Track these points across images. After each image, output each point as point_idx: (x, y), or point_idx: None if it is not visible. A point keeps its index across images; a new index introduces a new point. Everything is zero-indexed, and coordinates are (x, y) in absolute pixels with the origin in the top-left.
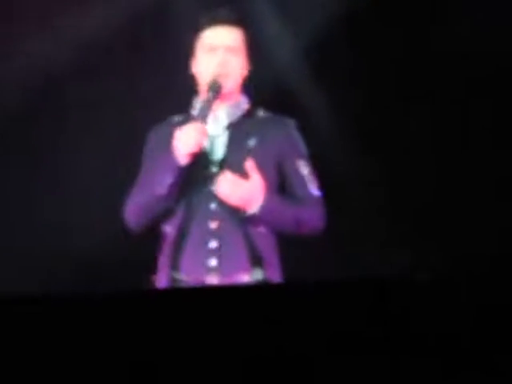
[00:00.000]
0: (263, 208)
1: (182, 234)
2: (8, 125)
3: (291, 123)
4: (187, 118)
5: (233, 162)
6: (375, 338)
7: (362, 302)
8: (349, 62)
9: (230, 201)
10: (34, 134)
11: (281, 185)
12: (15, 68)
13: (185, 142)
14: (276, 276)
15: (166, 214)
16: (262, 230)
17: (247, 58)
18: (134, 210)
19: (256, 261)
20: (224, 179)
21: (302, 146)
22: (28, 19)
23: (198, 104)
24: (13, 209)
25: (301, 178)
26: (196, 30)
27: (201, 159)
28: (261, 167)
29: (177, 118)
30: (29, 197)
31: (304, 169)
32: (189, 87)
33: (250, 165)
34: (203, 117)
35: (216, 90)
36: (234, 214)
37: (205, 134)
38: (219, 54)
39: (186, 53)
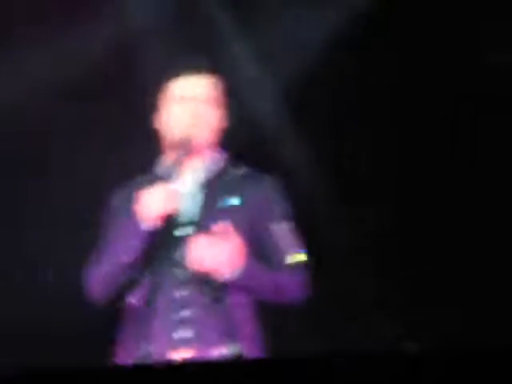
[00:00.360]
0: (239, 274)
1: (148, 304)
2: None
3: (272, 181)
4: (152, 179)
5: (207, 223)
6: None
7: (349, 377)
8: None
9: (204, 266)
10: None
11: (257, 248)
12: None
13: (152, 205)
14: (254, 350)
15: (132, 284)
16: (238, 298)
17: (222, 109)
18: (97, 280)
19: (231, 333)
20: (197, 242)
21: (283, 207)
22: None
23: (164, 164)
24: None
25: (280, 241)
26: (162, 80)
27: (170, 221)
28: (237, 228)
29: (140, 179)
30: None
31: (285, 231)
32: (150, 143)
33: (226, 225)
34: (172, 177)
35: (187, 148)
36: (207, 284)
37: (175, 196)
38: (191, 105)
39: (147, 106)
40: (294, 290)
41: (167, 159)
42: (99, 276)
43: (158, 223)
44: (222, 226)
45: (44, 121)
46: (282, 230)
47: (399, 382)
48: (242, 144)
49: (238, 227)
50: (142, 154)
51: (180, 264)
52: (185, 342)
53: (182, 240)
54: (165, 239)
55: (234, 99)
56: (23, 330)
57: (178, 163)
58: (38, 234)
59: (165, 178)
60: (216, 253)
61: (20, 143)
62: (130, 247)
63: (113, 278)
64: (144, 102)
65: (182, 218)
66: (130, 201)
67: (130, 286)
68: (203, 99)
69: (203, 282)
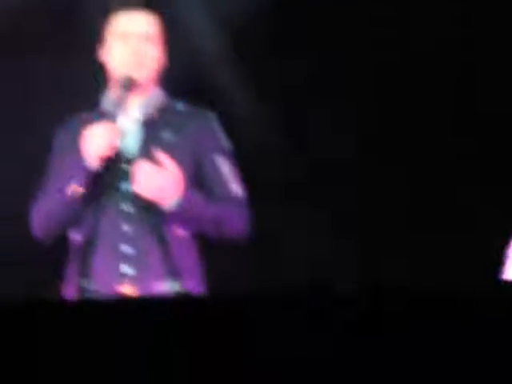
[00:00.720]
0: (181, 203)
1: (91, 239)
2: None
3: (211, 116)
4: (97, 115)
5: (147, 157)
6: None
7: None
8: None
9: (145, 194)
10: None
11: (199, 183)
12: None
13: (96, 144)
14: (195, 286)
15: (74, 221)
16: (180, 233)
17: (163, 46)
18: (41, 216)
19: (172, 269)
20: (139, 169)
21: (223, 141)
22: None
23: (108, 100)
24: None
25: (221, 174)
26: (106, 13)
27: (114, 156)
28: (178, 162)
29: (85, 115)
30: None
31: (225, 165)
32: (95, 76)
33: (164, 157)
34: (115, 115)
35: (128, 86)
36: (150, 216)
37: (117, 134)
38: (133, 42)
39: (92, 38)
40: (236, 223)
41: (111, 94)
42: (42, 212)
43: (101, 161)
44: (161, 157)
45: None
46: (224, 163)
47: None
48: (180, 80)
49: (178, 161)
50: (87, 88)
51: (124, 198)
52: (127, 278)
53: (123, 174)
54: (107, 173)
55: (172, 35)
56: None
57: (121, 100)
58: None
59: (108, 114)
60: (157, 180)
61: None
62: (74, 185)
63: (55, 215)
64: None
65: (123, 153)
66: (74, 136)
67: (72, 222)
68: (145, 36)
69: (146, 215)
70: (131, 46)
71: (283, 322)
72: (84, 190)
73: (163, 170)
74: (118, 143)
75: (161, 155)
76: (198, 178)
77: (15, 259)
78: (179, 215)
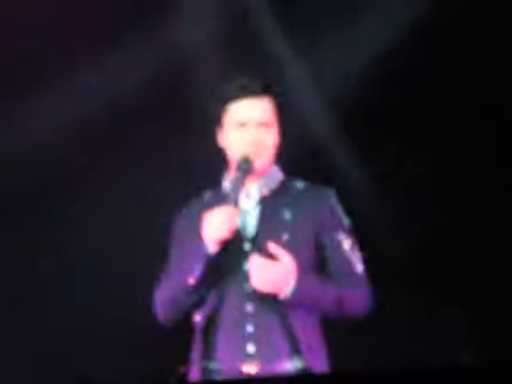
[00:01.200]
0: (297, 291)
1: (214, 320)
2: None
3: (331, 193)
4: (217, 197)
5: (266, 237)
6: None
7: None
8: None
9: (261, 288)
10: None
11: (320, 262)
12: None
13: (215, 228)
14: (319, 363)
15: (196, 305)
16: (301, 313)
17: (279, 127)
18: (163, 301)
19: (295, 347)
20: (253, 264)
21: (343, 218)
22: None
23: (227, 182)
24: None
25: (343, 252)
26: (222, 101)
27: (232, 238)
28: (297, 242)
29: (206, 197)
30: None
31: (346, 243)
32: (217, 160)
33: (275, 246)
34: (234, 198)
35: (246, 169)
36: (271, 296)
37: (235, 216)
38: (250, 130)
39: (211, 125)
40: (358, 303)
41: (230, 180)
42: (164, 298)
43: (220, 246)
44: (273, 247)
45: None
46: (345, 241)
47: None
48: (296, 158)
49: (297, 240)
50: (208, 172)
51: (246, 277)
52: (250, 357)
53: (244, 255)
54: (228, 254)
55: (288, 117)
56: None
57: (239, 182)
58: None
59: (227, 199)
60: (271, 273)
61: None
62: (194, 270)
63: (177, 300)
64: (204, 121)
65: (243, 233)
66: (194, 221)
67: (193, 306)
68: (262, 124)
69: (268, 295)
70: (249, 134)
71: None
72: (204, 276)
73: (275, 263)
74: (236, 225)
75: (280, 237)
76: (319, 256)
77: (142, 343)
78: (297, 302)
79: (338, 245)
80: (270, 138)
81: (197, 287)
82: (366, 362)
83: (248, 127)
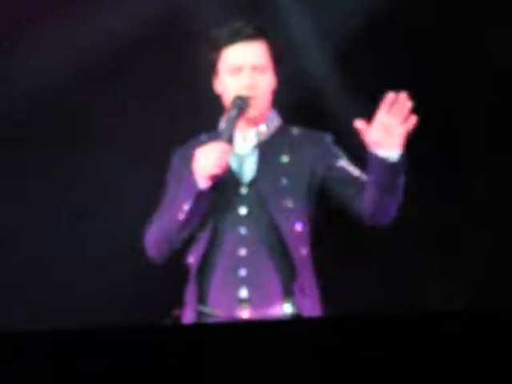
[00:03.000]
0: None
1: (207, 263)
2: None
3: (328, 137)
4: (212, 137)
5: (264, 181)
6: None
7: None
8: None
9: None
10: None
11: (331, 194)
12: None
13: (204, 163)
14: (311, 307)
15: (188, 243)
16: (302, 252)
17: (274, 71)
18: (153, 236)
19: (289, 291)
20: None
21: (340, 156)
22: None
23: (222, 123)
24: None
25: (353, 172)
26: (216, 47)
27: (228, 181)
28: (295, 186)
29: (202, 138)
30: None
31: (348, 165)
32: (215, 106)
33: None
34: (227, 135)
35: (241, 106)
36: (266, 239)
37: (227, 153)
38: (245, 74)
39: (206, 70)
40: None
41: (225, 117)
42: (155, 233)
43: (211, 182)
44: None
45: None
46: (349, 165)
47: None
48: (292, 103)
49: (296, 181)
50: (206, 116)
51: (241, 222)
52: (243, 302)
53: (240, 199)
54: (223, 197)
55: (286, 61)
56: (88, 292)
57: (232, 123)
58: (98, 186)
59: (220, 137)
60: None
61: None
62: (184, 205)
63: (167, 236)
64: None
65: (239, 177)
66: (189, 159)
67: (186, 243)
68: (256, 67)
69: (262, 239)
70: (244, 78)
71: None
72: (196, 213)
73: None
74: (231, 163)
75: (278, 180)
76: (327, 190)
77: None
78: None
79: (341, 169)
80: (266, 82)
81: (187, 223)
82: (358, 306)
83: (243, 71)
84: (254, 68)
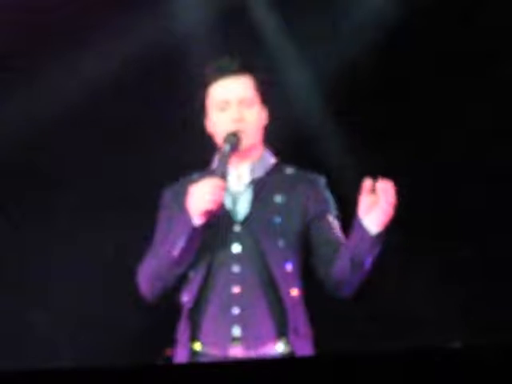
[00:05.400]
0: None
1: (200, 301)
2: None
3: (321, 181)
4: (205, 174)
5: (258, 219)
6: None
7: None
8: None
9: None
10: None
11: (309, 245)
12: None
13: (199, 198)
14: (305, 346)
15: (181, 281)
16: (293, 292)
17: (263, 105)
18: (146, 274)
19: (282, 330)
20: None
21: (332, 205)
22: None
23: (215, 160)
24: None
25: (333, 234)
26: (203, 84)
27: (222, 218)
28: (288, 226)
29: (194, 176)
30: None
31: (335, 225)
32: (209, 146)
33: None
34: (221, 171)
35: (233, 142)
36: (259, 278)
37: (221, 189)
38: (233, 108)
39: (200, 111)
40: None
41: (218, 154)
42: (148, 270)
43: (205, 218)
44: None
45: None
46: (335, 224)
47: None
48: (285, 141)
49: (289, 223)
50: (198, 155)
51: (235, 260)
52: (236, 340)
53: (233, 236)
54: (216, 235)
55: (273, 96)
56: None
57: (225, 159)
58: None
59: (214, 173)
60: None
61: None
62: (178, 242)
63: (160, 273)
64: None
65: (233, 215)
66: (181, 195)
67: (179, 282)
68: (242, 100)
69: (256, 277)
70: (231, 112)
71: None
72: (189, 250)
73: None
74: (225, 200)
75: (271, 219)
76: (308, 237)
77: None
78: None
79: (328, 225)
80: (253, 115)
81: (180, 260)
82: (351, 345)
83: (230, 106)
84: (241, 102)
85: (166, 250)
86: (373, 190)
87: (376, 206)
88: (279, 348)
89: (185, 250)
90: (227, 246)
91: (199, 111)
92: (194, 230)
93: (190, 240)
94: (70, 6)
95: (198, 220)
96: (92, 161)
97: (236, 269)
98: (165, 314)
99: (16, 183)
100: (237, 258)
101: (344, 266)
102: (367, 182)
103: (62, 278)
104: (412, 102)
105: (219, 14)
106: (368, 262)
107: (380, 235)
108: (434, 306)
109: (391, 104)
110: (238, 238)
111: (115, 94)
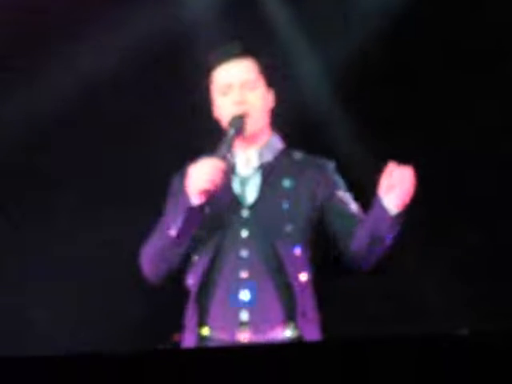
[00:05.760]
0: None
1: (207, 285)
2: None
3: (330, 165)
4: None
5: (266, 204)
6: None
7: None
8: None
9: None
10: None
11: (324, 222)
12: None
13: (197, 178)
14: (313, 330)
15: (187, 264)
16: (302, 278)
17: (269, 89)
18: (148, 255)
19: (291, 315)
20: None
21: (342, 188)
22: None
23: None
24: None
25: (351, 204)
26: (207, 70)
27: (230, 203)
28: (296, 211)
29: (201, 159)
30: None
31: (348, 198)
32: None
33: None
34: (222, 153)
35: (237, 125)
36: (267, 263)
37: (220, 169)
38: (235, 91)
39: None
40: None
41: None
42: (149, 251)
43: (204, 198)
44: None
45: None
46: (349, 198)
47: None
48: (294, 126)
49: (297, 207)
50: (207, 141)
51: (243, 244)
52: (244, 325)
53: (241, 221)
54: (224, 219)
55: (281, 82)
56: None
57: (229, 141)
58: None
59: (217, 155)
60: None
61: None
62: (176, 222)
63: (161, 253)
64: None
65: (241, 199)
66: (185, 179)
67: (183, 263)
68: (245, 83)
69: (265, 262)
70: (234, 95)
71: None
72: (188, 230)
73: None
74: (220, 179)
75: (280, 204)
76: (323, 218)
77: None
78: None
79: (340, 201)
80: (257, 98)
81: (179, 239)
82: (360, 329)
83: (232, 89)
84: (244, 84)
85: (165, 229)
86: (393, 173)
87: (396, 187)
88: (287, 332)
89: (182, 230)
90: (235, 230)
91: (206, 96)
92: (192, 209)
93: (188, 219)
94: None
95: (195, 200)
96: (93, 159)
97: (244, 253)
98: (171, 300)
99: (16, 183)
100: (245, 243)
101: (363, 240)
102: (390, 165)
103: (63, 277)
104: (420, 91)
105: (227, 1)
106: (388, 238)
107: (399, 215)
108: (444, 293)
109: (399, 92)
110: (246, 223)
111: (118, 87)
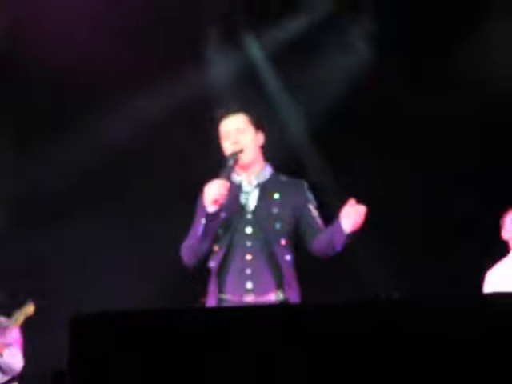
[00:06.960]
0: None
1: (224, 266)
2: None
3: (305, 184)
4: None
5: (262, 210)
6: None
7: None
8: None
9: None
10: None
11: (297, 226)
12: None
13: (209, 193)
14: (295, 296)
15: (209, 253)
16: (287, 258)
17: (258, 132)
18: (184, 249)
19: (280, 284)
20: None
21: (312, 200)
22: None
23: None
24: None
25: (313, 217)
26: (216, 122)
27: (239, 210)
28: (282, 214)
29: None
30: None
31: (314, 212)
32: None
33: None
34: (225, 175)
35: (234, 157)
36: (264, 250)
37: (225, 186)
38: (231, 135)
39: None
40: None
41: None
42: (185, 247)
43: (215, 207)
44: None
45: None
46: (315, 212)
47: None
48: (278, 157)
49: (283, 212)
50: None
51: (248, 237)
52: (249, 291)
53: (246, 222)
54: (235, 221)
55: (268, 127)
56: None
57: (230, 166)
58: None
59: (222, 177)
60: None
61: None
62: (199, 225)
63: (192, 248)
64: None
65: (246, 207)
66: None
67: (207, 253)
68: (238, 129)
69: (262, 248)
70: (231, 137)
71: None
72: (209, 230)
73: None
74: (225, 192)
75: (271, 210)
76: (298, 222)
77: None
78: (348, 238)
79: (309, 213)
80: (247, 139)
81: (203, 236)
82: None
83: (230, 134)
84: (237, 130)
85: (195, 230)
86: (352, 205)
87: (352, 216)
88: (278, 296)
89: (205, 229)
90: (242, 228)
91: (219, 142)
92: (208, 215)
93: (208, 222)
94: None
95: (210, 208)
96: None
97: (249, 244)
98: (199, 276)
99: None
100: (249, 237)
101: (321, 244)
102: (351, 200)
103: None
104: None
105: (235, 76)
106: (339, 246)
107: (349, 235)
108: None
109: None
110: (250, 223)
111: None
